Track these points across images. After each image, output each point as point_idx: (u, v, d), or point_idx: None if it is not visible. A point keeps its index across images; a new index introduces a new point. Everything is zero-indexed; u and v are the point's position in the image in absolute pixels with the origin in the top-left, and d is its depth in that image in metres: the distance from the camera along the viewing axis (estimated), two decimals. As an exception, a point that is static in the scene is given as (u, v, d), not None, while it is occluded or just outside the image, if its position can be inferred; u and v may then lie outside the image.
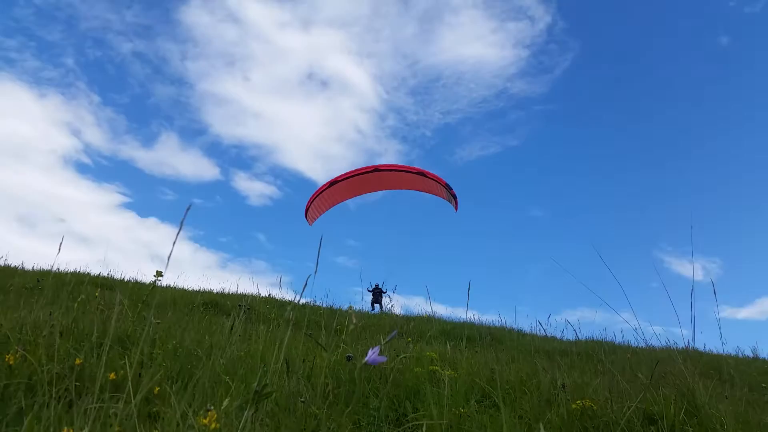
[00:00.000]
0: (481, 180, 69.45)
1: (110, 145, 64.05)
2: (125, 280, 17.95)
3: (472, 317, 17.99)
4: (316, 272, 3.50)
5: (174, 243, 2.71)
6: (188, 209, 2.75)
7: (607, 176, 68.54)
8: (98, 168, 61.78)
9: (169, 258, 2.76)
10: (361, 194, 23.77)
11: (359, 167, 21.86)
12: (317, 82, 72.08)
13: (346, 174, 21.90)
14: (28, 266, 17.98)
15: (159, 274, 7.94)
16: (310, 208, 23.75)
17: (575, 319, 29.87)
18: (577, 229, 61.97)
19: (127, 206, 59.06)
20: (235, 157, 66.75)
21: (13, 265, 17.70)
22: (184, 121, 67.58)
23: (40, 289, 13.42)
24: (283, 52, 73.98)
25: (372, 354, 2.06)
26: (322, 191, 22.48)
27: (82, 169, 61.88)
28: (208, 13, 69.14)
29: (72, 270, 17.54)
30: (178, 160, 65.72)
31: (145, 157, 66.25)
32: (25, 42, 61.98)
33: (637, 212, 62.97)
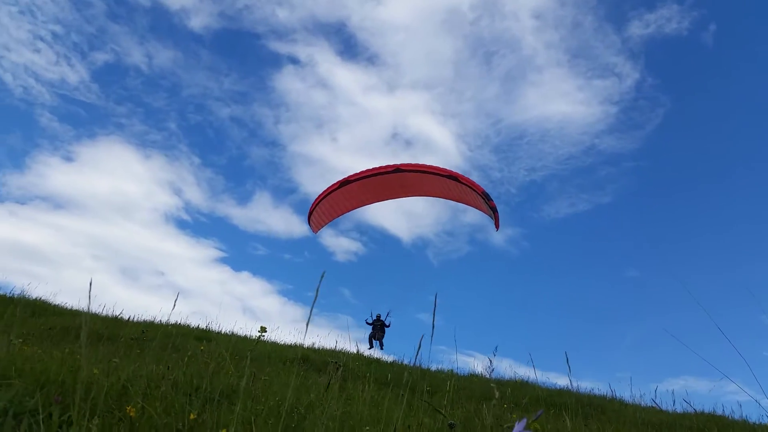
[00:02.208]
0: (572, 238, 67.18)
1: (208, 203, 67.93)
2: (222, 332, 18.55)
3: (569, 383, 17.05)
4: (432, 335, 3.46)
5: (311, 310, 2.75)
6: (322, 277, 2.80)
7: (707, 234, 64.52)
8: (197, 224, 65.45)
9: (307, 325, 2.81)
10: (379, 200, 19.84)
11: (378, 166, 18.24)
12: (401, 141, 73.59)
13: (360, 173, 18.32)
14: (132, 316, 18.99)
15: (263, 330, 8.13)
16: (314, 212, 19.90)
17: (679, 387, 27.67)
18: (676, 291, 58.28)
19: (223, 260, 61.85)
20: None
21: (119, 316, 18.75)
22: (276, 181, 70.73)
23: (145, 339, 14.09)
24: (368, 113, 76.58)
25: (518, 429, 1.95)
26: (331, 192, 18.77)
27: (182, 225, 65.69)
28: (300, 80, 73.08)
29: (173, 322, 18.35)
30: (270, 217, 68.55)
31: (240, 215, 69.54)
32: (134, 108, 67.77)
33: (742, 273, 58.58)
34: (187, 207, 65.29)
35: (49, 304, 18.80)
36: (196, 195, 67.62)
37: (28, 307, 16.71)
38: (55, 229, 60.02)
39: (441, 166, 17.71)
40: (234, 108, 70.16)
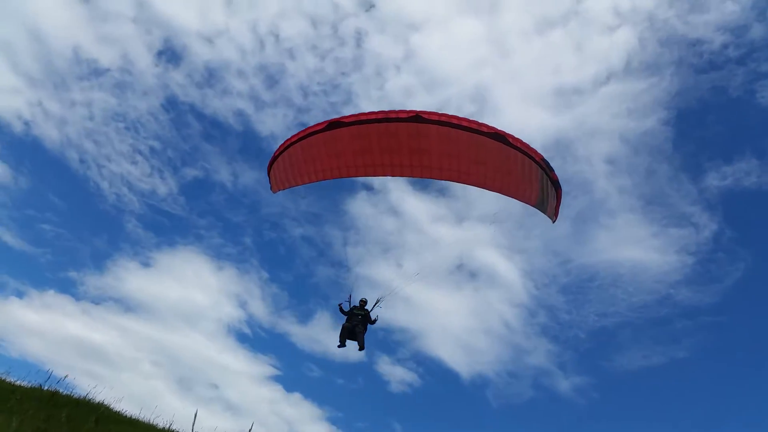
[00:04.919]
0: (645, 392, 62.66)
1: (270, 318, 68.96)
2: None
3: None
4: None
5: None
6: None
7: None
8: (256, 339, 66.13)
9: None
10: (378, 172, 12.67)
11: (386, 110, 11.79)
12: (466, 273, 73.42)
13: (359, 114, 12.02)
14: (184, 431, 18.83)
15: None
16: (281, 159, 13.38)
17: None
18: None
19: (276, 379, 61.46)
20: (381, 339, 68.14)
21: (175, 430, 18.69)
22: (338, 301, 71.68)
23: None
24: (435, 243, 77.68)
25: None
26: (313, 134, 12.44)
27: (242, 338, 66.49)
28: (371, 205, 76.02)
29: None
30: (328, 338, 68.47)
31: (299, 332, 69.89)
32: (214, 222, 72.03)
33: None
34: (250, 320, 66.34)
35: (111, 411, 19.02)
36: (259, 309, 68.86)
37: (92, 412, 16.97)
38: (121, 331, 61.96)
39: (479, 121, 11.85)
40: (306, 228, 72.99)
